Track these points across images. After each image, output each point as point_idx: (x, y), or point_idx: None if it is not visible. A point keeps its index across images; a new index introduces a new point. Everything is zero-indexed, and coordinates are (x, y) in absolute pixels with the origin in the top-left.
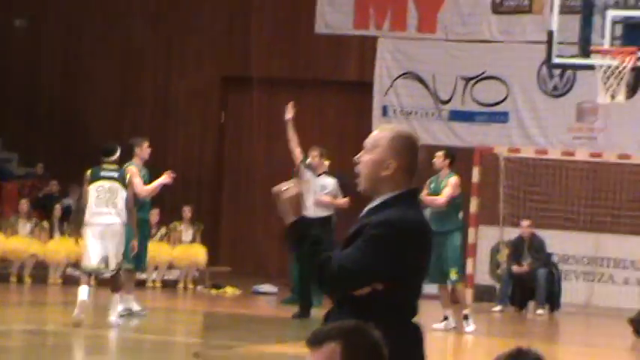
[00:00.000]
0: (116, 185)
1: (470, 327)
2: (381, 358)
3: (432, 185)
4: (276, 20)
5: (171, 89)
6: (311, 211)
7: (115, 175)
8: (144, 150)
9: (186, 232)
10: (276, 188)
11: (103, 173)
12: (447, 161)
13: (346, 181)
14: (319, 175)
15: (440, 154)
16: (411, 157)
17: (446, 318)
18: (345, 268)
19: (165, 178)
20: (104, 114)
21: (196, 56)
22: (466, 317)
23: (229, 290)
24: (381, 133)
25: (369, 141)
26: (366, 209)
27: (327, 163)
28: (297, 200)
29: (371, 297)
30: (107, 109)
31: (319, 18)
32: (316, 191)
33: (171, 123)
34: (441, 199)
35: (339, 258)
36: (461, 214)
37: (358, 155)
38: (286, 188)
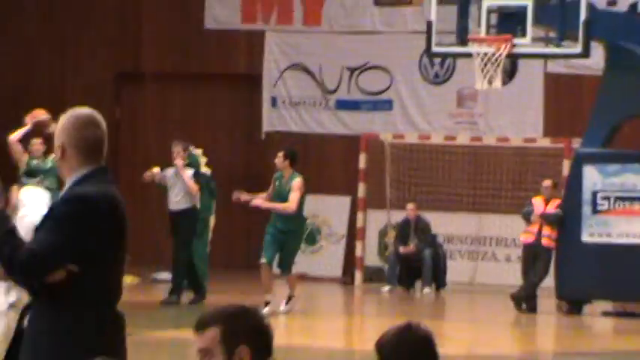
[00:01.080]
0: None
1: (284, 308)
2: (264, 341)
3: (277, 183)
4: (166, 17)
5: (66, 87)
6: (173, 204)
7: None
8: (34, 147)
9: None
10: None
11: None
12: (287, 161)
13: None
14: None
15: (280, 154)
16: (82, 134)
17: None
18: (34, 251)
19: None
20: None
21: (89, 53)
22: (289, 299)
23: (129, 279)
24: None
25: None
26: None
27: (198, 152)
28: None
29: (66, 282)
30: (1, 110)
31: (208, 13)
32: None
33: None
34: (291, 206)
35: (28, 243)
36: (305, 213)
37: None
38: None
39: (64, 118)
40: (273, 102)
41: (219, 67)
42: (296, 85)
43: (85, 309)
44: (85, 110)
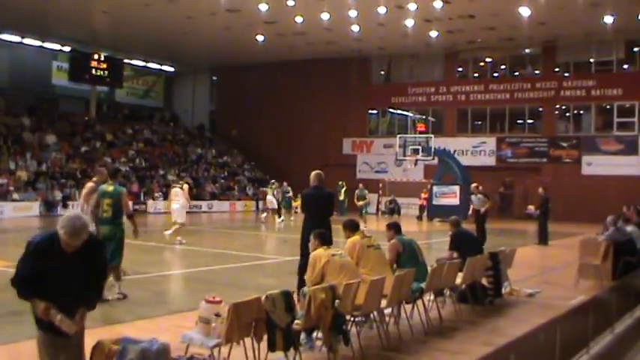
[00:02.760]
0: None
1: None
2: (355, 228)
3: (359, 193)
4: (334, 141)
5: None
6: None
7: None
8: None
9: None
10: None
11: None
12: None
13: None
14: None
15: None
16: (313, 177)
17: None
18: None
19: None
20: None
21: (304, 152)
22: None
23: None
24: None
25: None
26: None
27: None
28: None
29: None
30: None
31: (343, 148)
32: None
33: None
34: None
35: None
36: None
37: None
38: None
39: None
40: (359, 171)
41: (347, 162)
42: (364, 167)
43: (307, 217)
44: (316, 171)
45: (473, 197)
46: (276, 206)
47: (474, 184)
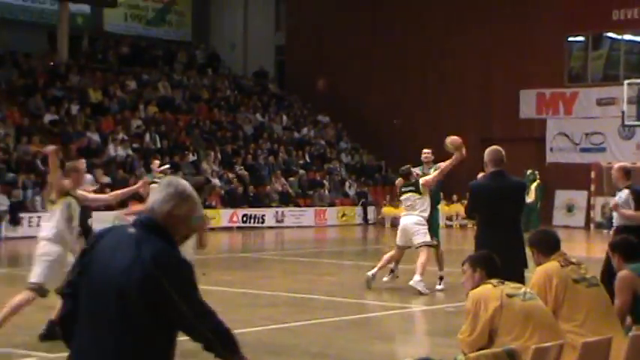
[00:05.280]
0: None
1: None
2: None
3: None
4: (509, 106)
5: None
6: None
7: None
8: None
9: None
10: None
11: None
12: (432, 157)
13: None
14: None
15: (428, 152)
16: (492, 158)
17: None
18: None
19: None
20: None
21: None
22: (441, 278)
23: None
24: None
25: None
26: None
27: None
28: None
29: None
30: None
31: (521, 111)
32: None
33: None
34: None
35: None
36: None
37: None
38: None
39: (490, 149)
40: (551, 149)
41: (528, 134)
42: (560, 141)
43: (481, 227)
44: (493, 147)
45: (621, 196)
46: None
47: (617, 165)
